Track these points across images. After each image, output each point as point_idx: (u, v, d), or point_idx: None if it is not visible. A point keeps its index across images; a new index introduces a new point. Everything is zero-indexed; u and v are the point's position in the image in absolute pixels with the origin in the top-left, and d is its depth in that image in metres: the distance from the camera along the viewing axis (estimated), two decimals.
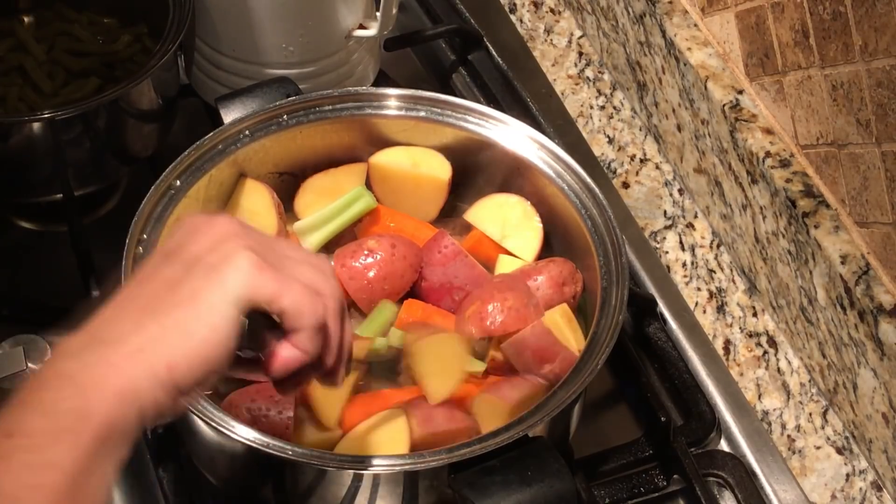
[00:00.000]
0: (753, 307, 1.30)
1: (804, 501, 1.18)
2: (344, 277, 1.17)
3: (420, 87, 1.26)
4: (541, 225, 1.22)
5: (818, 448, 1.21)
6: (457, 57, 1.52)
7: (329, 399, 1.09)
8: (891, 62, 1.06)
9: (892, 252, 1.12)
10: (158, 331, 0.78)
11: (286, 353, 0.86)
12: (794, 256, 1.21)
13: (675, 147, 1.40)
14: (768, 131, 1.25)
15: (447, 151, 1.24)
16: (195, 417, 1.02)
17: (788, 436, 1.22)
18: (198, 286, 0.80)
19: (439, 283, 1.19)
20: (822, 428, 1.22)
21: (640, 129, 1.46)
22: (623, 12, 1.44)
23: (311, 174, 1.25)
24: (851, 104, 1.13)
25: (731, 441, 1.22)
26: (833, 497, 1.18)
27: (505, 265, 1.21)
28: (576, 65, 1.54)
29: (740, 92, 1.29)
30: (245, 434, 1.00)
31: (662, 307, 1.30)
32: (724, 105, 1.28)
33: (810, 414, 1.23)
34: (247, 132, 1.21)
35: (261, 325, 0.86)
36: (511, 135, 1.22)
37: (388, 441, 1.07)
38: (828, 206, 1.19)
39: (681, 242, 1.37)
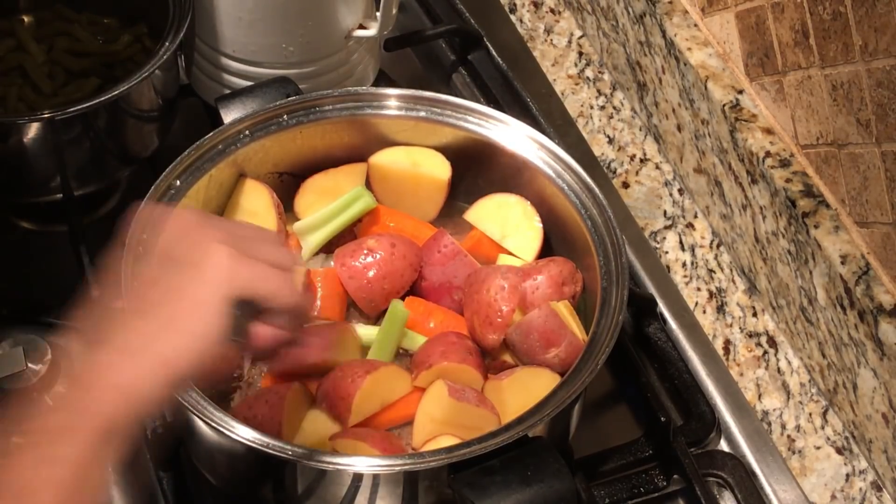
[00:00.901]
0: (753, 307, 1.30)
1: (804, 501, 1.18)
2: (344, 277, 1.17)
3: (420, 87, 1.26)
4: (540, 225, 1.22)
5: (818, 448, 1.21)
6: (457, 57, 1.52)
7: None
8: (891, 62, 1.06)
9: (892, 252, 1.12)
10: (152, 330, 0.82)
11: (265, 332, 0.90)
12: (794, 256, 1.21)
13: (675, 147, 1.40)
14: (768, 131, 1.25)
15: (447, 151, 1.24)
16: (195, 417, 1.02)
17: (788, 436, 1.22)
18: (183, 284, 0.84)
19: (439, 282, 1.19)
20: (822, 428, 1.22)
21: (640, 129, 1.46)
22: (623, 12, 1.44)
23: (311, 174, 1.25)
24: (851, 104, 1.13)
25: (731, 441, 1.22)
26: (833, 497, 1.18)
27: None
28: (576, 65, 1.54)
29: (740, 92, 1.29)
30: (245, 434, 1.00)
31: (662, 307, 1.30)
32: (724, 105, 1.28)
33: (810, 414, 1.23)
34: (247, 132, 1.21)
35: (244, 312, 0.89)
36: (511, 135, 1.22)
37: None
38: (828, 206, 1.19)
39: (681, 242, 1.37)
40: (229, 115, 1.22)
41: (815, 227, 1.18)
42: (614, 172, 1.43)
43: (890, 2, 1.04)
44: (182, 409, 1.03)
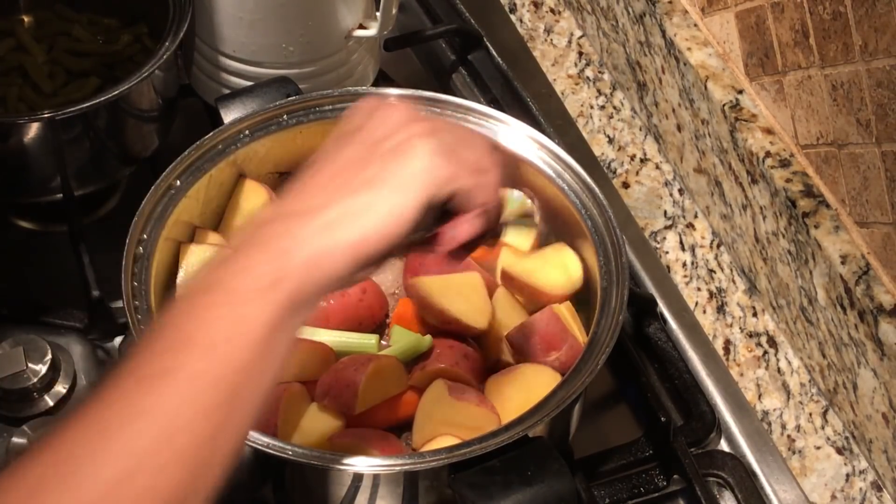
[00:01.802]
0: (753, 307, 1.30)
1: (804, 501, 1.18)
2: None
3: (420, 87, 1.26)
4: (536, 214, 1.22)
5: (818, 448, 1.21)
6: (457, 57, 1.52)
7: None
8: (891, 62, 1.06)
9: (892, 252, 1.12)
10: (346, 208, 0.84)
11: (457, 231, 0.93)
12: (794, 256, 1.21)
13: (675, 147, 1.40)
14: (768, 131, 1.25)
15: None
16: None
17: (788, 436, 1.22)
18: (382, 169, 0.86)
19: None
20: (822, 428, 1.22)
21: (640, 129, 1.46)
22: (623, 12, 1.44)
23: None
24: (851, 104, 1.13)
25: (731, 441, 1.22)
26: (833, 497, 1.18)
27: (507, 257, 1.21)
28: (576, 65, 1.54)
29: (740, 92, 1.29)
30: None
31: (662, 307, 1.30)
32: (724, 105, 1.28)
33: (810, 414, 1.23)
34: (247, 132, 1.21)
35: (434, 208, 0.90)
36: (511, 135, 1.22)
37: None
38: (828, 206, 1.19)
39: (681, 242, 1.37)
40: (229, 115, 1.22)
41: (816, 227, 1.18)
42: (614, 172, 1.43)
43: (890, 2, 1.04)
44: None
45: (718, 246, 1.35)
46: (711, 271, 1.34)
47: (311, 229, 0.83)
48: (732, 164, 1.28)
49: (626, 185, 1.42)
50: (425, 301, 1.16)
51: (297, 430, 1.09)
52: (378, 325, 1.21)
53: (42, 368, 1.16)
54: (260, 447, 1.00)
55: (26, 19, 1.38)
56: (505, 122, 1.22)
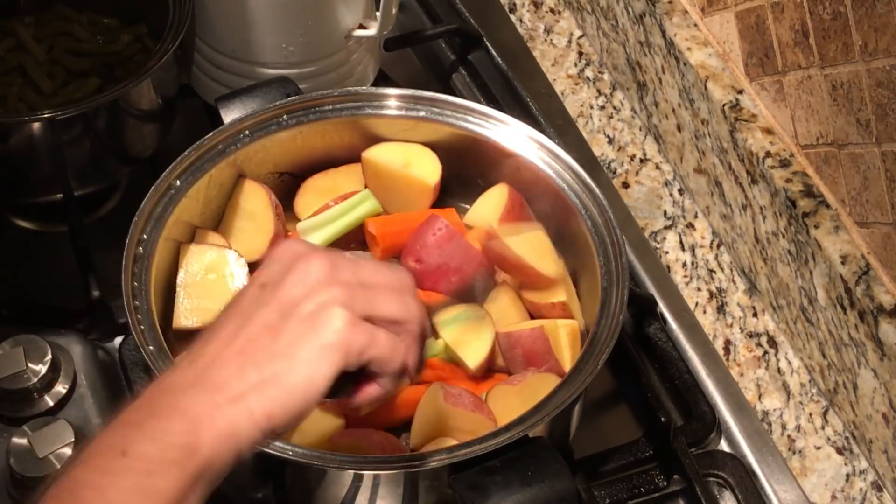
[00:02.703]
0: (753, 307, 1.30)
1: (804, 502, 1.18)
2: None
3: (420, 87, 1.26)
4: (505, 189, 1.22)
5: (818, 448, 1.21)
6: (457, 57, 1.52)
7: None
8: (891, 62, 1.06)
9: (892, 252, 1.12)
10: (259, 380, 0.84)
11: (370, 392, 0.92)
12: (794, 256, 1.21)
13: (675, 147, 1.40)
14: (768, 131, 1.25)
15: (447, 151, 1.24)
16: None
17: (788, 436, 1.22)
18: (295, 339, 0.86)
19: (435, 264, 1.18)
20: (823, 428, 1.22)
21: (640, 129, 1.46)
22: (623, 12, 1.44)
23: (311, 174, 1.25)
24: (851, 104, 1.13)
25: (732, 441, 1.22)
26: (833, 497, 1.18)
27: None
28: (576, 65, 1.54)
29: (740, 92, 1.29)
30: None
31: (662, 307, 1.30)
32: (724, 105, 1.28)
33: (810, 414, 1.23)
34: (247, 132, 1.21)
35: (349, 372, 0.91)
36: (511, 135, 1.22)
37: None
38: (828, 206, 1.19)
39: (681, 242, 1.37)
40: (229, 115, 1.22)
41: (816, 227, 1.18)
42: (614, 172, 1.43)
43: (890, 2, 1.04)
44: None
45: (718, 246, 1.35)
46: (711, 271, 1.34)
47: (224, 399, 0.83)
48: (732, 164, 1.28)
49: (626, 185, 1.42)
50: (503, 256, 1.17)
51: (297, 430, 1.09)
52: None
53: (42, 368, 1.16)
54: (260, 447, 1.00)
55: (26, 19, 1.38)
56: (505, 122, 1.22)
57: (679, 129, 1.38)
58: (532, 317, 1.19)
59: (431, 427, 1.09)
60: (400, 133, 1.24)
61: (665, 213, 1.39)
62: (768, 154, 1.24)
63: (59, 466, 1.10)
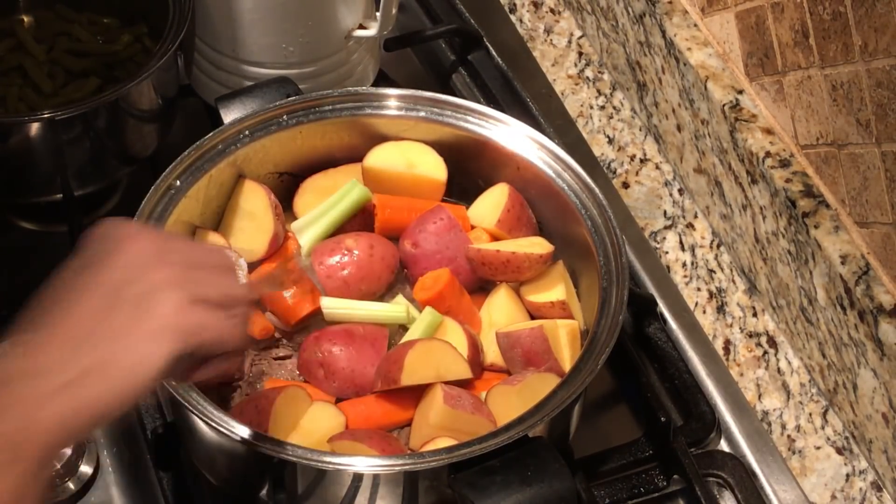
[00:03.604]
0: (753, 307, 1.30)
1: (804, 501, 1.18)
2: (321, 275, 1.16)
3: (420, 87, 1.26)
4: (505, 190, 1.23)
5: (818, 448, 1.21)
6: (457, 57, 1.52)
7: None
8: (891, 62, 1.06)
9: (892, 252, 1.12)
10: (88, 365, 0.82)
11: (208, 370, 0.91)
12: (794, 256, 1.21)
13: (675, 147, 1.40)
14: (768, 131, 1.25)
15: (447, 151, 1.24)
16: (195, 417, 1.02)
17: (788, 436, 1.22)
18: (125, 326, 0.84)
19: (431, 250, 1.19)
20: (822, 428, 1.22)
21: (640, 129, 1.46)
22: (623, 12, 1.44)
23: (311, 174, 1.25)
24: (851, 104, 1.13)
25: (731, 441, 1.22)
26: (833, 497, 1.18)
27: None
28: (576, 65, 1.54)
29: (740, 92, 1.29)
30: (245, 434, 1.00)
31: (662, 307, 1.30)
32: (724, 105, 1.28)
33: (810, 414, 1.23)
34: (247, 132, 1.21)
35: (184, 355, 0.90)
36: (511, 135, 1.22)
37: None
38: (828, 206, 1.19)
39: (681, 242, 1.37)
40: (229, 115, 1.22)
41: (815, 227, 1.18)
42: (614, 172, 1.43)
43: (890, 2, 1.04)
44: (182, 409, 1.03)
45: (718, 246, 1.35)
46: (711, 271, 1.34)
47: (52, 389, 0.81)
48: (732, 164, 1.28)
49: (626, 185, 1.42)
50: (485, 257, 1.18)
51: (297, 430, 1.09)
52: (395, 276, 1.20)
53: None
54: (260, 447, 1.00)
55: (26, 19, 1.38)
56: (505, 122, 1.22)
57: (679, 129, 1.38)
58: (532, 316, 1.19)
59: (431, 428, 1.09)
60: (400, 133, 1.24)
61: (665, 213, 1.39)
62: (768, 154, 1.24)
63: None
